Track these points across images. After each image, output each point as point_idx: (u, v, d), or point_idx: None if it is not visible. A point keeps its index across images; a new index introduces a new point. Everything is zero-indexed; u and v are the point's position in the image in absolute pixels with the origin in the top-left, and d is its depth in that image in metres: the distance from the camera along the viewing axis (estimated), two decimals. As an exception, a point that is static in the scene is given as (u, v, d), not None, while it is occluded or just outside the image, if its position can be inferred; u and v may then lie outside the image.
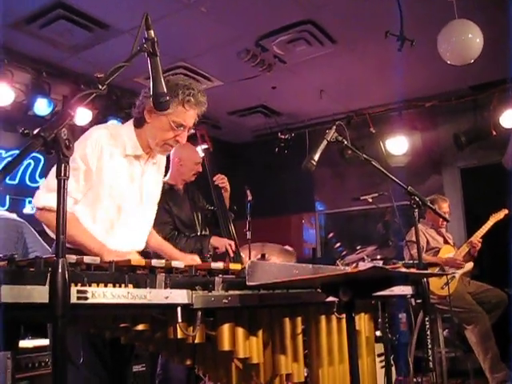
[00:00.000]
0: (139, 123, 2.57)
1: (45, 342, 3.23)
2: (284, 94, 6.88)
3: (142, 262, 1.76)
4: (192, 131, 2.71)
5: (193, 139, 4.89)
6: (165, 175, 3.07)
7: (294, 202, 8.10)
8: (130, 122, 2.62)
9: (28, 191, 6.02)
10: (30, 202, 5.74)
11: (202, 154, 4.60)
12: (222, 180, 4.42)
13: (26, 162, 6.03)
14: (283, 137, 7.60)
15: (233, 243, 4.11)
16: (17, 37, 5.20)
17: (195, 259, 2.74)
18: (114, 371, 2.47)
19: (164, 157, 2.81)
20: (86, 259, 1.60)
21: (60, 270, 1.34)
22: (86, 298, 1.49)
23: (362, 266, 3.07)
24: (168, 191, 3.89)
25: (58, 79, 5.97)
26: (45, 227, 2.46)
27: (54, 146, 1.39)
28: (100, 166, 2.44)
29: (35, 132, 1.37)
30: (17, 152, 4.44)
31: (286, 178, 7.71)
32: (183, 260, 2.62)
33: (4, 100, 5.52)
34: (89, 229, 2.41)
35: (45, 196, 2.35)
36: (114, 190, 2.49)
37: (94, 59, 5.62)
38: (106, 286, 1.60)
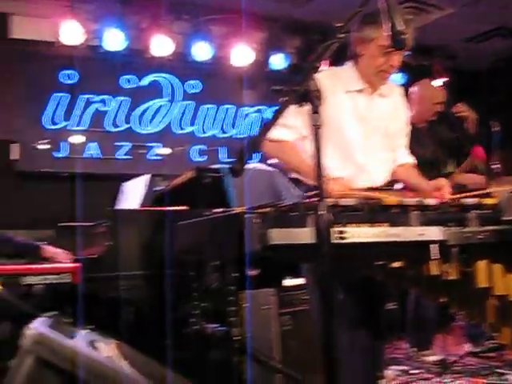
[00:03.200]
0: (355, 59, 2.64)
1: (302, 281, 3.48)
2: (525, 11, 6.25)
3: (394, 200, 1.81)
4: (406, 60, 2.65)
5: (428, 74, 4.74)
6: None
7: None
8: (349, 61, 2.68)
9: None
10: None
11: (440, 85, 4.44)
12: (462, 109, 4.21)
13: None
14: (528, 58, 6.95)
15: (482, 178, 3.92)
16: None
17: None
18: (367, 310, 2.58)
19: (395, 89, 2.80)
20: (342, 201, 1.70)
21: (322, 212, 1.45)
22: (345, 238, 1.59)
23: None
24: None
25: (289, 32, 6.20)
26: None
27: (305, 98, 1.49)
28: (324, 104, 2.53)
29: (287, 88, 1.48)
30: (260, 108, 4.70)
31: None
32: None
33: (244, 60, 5.93)
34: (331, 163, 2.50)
35: (273, 131, 2.54)
36: (339, 127, 2.56)
37: (321, 7, 5.69)
38: (362, 225, 1.68)
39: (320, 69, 2.62)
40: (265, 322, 3.21)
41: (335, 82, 2.60)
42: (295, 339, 3.35)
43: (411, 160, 2.86)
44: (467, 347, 4.44)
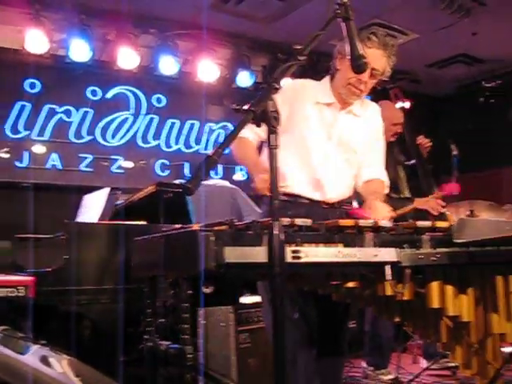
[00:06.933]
0: (333, 75, 2.69)
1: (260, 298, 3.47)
2: (486, 39, 6.40)
3: (350, 221, 1.84)
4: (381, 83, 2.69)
5: (386, 98, 4.80)
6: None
7: (503, 154, 7.54)
8: (327, 77, 2.73)
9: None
10: (240, 170, 6.15)
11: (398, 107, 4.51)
12: (427, 144, 4.28)
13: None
14: (488, 85, 7.12)
15: (440, 202, 3.98)
16: (216, 16, 5.54)
17: None
18: (325, 328, 2.60)
19: (369, 107, 2.82)
20: (298, 221, 1.71)
21: (276, 232, 1.46)
22: (300, 258, 1.60)
23: None
24: None
25: (256, 51, 6.26)
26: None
27: (263, 118, 1.50)
28: (291, 112, 2.57)
29: (246, 107, 1.49)
30: (225, 124, 4.73)
31: (493, 129, 7.22)
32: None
33: (210, 76, 5.95)
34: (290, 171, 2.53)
35: None
36: (301, 137, 2.60)
37: (288, 27, 5.77)
38: (317, 245, 1.70)
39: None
40: (222, 339, 3.19)
41: (305, 92, 2.66)
42: (253, 357, 3.34)
43: (377, 176, 2.78)
44: (423, 365, 4.48)
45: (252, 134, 2.57)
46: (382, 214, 2.41)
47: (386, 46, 2.59)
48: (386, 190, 2.84)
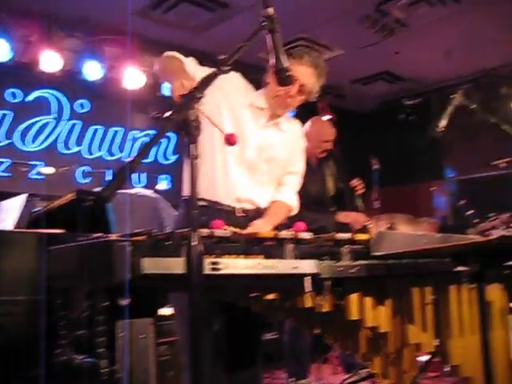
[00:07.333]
0: (266, 86, 2.68)
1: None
2: (408, 58, 6.67)
3: (270, 233, 1.83)
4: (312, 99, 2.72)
5: (314, 111, 4.88)
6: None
7: (422, 169, 7.85)
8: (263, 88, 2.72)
9: (162, 168, 6.40)
10: (164, 179, 6.10)
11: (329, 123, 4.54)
12: (360, 187, 4.32)
13: (158, 141, 6.40)
14: (408, 103, 7.38)
15: (363, 216, 4.06)
16: (143, 23, 5.47)
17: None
18: (245, 339, 2.58)
19: (295, 128, 2.81)
20: (218, 232, 1.70)
21: (194, 243, 1.44)
22: (219, 269, 1.58)
23: (495, 234, 2.97)
24: None
25: (184, 60, 6.21)
26: None
27: (183, 127, 1.48)
28: (218, 104, 2.53)
29: (166, 115, 1.46)
30: (149, 132, 4.67)
31: (412, 145, 7.49)
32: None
33: (135, 83, 5.86)
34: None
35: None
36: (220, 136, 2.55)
37: (217, 38, 5.75)
38: (237, 257, 1.69)
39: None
40: (142, 352, 3.12)
41: (243, 91, 2.65)
42: (172, 370, 3.30)
43: (284, 199, 2.71)
44: (342, 376, 4.55)
45: (190, 62, 2.58)
46: None
47: (318, 65, 2.63)
48: (293, 212, 2.78)
